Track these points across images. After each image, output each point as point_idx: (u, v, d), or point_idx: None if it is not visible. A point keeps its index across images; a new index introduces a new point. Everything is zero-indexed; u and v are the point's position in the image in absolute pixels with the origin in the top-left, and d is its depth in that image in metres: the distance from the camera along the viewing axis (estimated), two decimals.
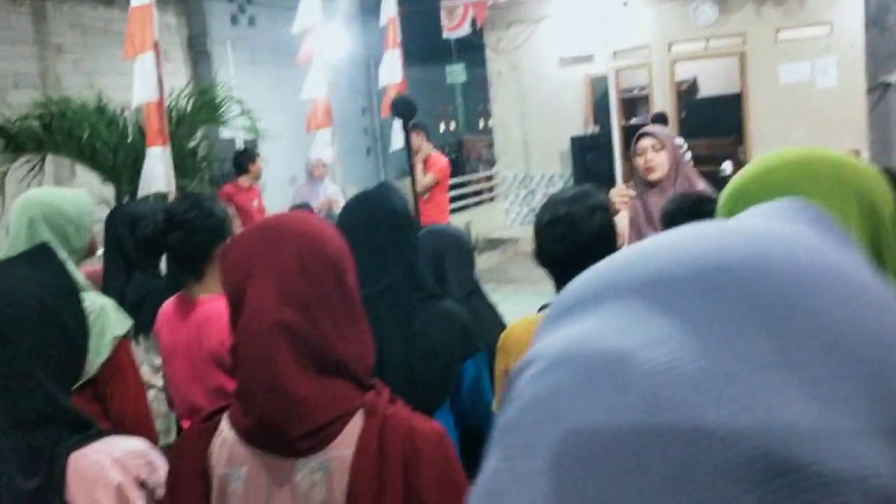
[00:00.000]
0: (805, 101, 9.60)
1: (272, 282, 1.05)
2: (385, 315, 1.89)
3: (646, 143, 3.06)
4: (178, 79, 12.56)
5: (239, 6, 13.74)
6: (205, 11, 12.90)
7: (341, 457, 1.04)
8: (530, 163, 11.33)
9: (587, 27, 10.40)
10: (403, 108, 2.65)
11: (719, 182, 7.09)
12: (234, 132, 8.98)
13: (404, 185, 9.18)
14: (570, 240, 1.77)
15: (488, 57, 11.30)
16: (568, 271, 1.81)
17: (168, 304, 2.24)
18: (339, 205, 7.32)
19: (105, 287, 2.68)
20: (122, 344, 2.05)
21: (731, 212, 1.12)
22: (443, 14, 10.60)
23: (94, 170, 6.40)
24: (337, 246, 1.14)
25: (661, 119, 8.26)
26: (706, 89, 12.23)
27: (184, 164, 6.55)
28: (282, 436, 1.02)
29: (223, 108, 6.95)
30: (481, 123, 14.09)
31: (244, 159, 6.56)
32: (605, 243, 1.80)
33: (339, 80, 13.77)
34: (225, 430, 1.10)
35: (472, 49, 11.82)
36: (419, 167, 7.09)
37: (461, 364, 1.91)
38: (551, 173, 11.27)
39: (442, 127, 13.43)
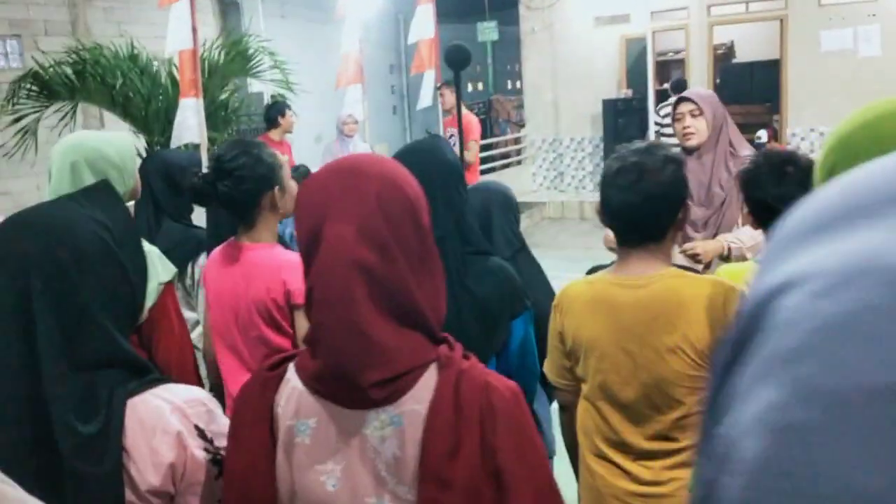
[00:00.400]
0: (846, 70, 9.36)
1: (351, 220, 1.01)
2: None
3: (684, 108, 2.96)
4: (207, 30, 12.47)
5: None
6: None
7: (414, 411, 1.00)
8: (560, 125, 11.18)
9: None
10: (457, 56, 2.56)
11: (756, 149, 6.92)
12: (263, 86, 8.92)
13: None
14: (640, 189, 1.71)
15: (521, 15, 11.10)
16: (635, 224, 1.75)
17: (217, 251, 2.22)
18: None
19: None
20: (167, 290, 2.03)
21: (836, 164, 1.06)
22: None
23: (125, 119, 6.37)
24: (415, 189, 1.10)
25: (680, 86, 8.07)
26: (743, 55, 11.97)
27: (214, 116, 6.51)
28: (355, 383, 0.98)
29: (255, 61, 6.86)
30: (509, 84, 13.90)
31: (275, 112, 6.51)
32: (676, 197, 1.74)
33: (367, 35, 13.63)
34: (293, 380, 1.07)
35: (503, 6, 11.61)
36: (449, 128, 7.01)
37: (510, 322, 1.88)
38: (581, 137, 11.13)
39: (470, 87, 13.26)
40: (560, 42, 10.85)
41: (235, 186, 2.06)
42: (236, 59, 6.72)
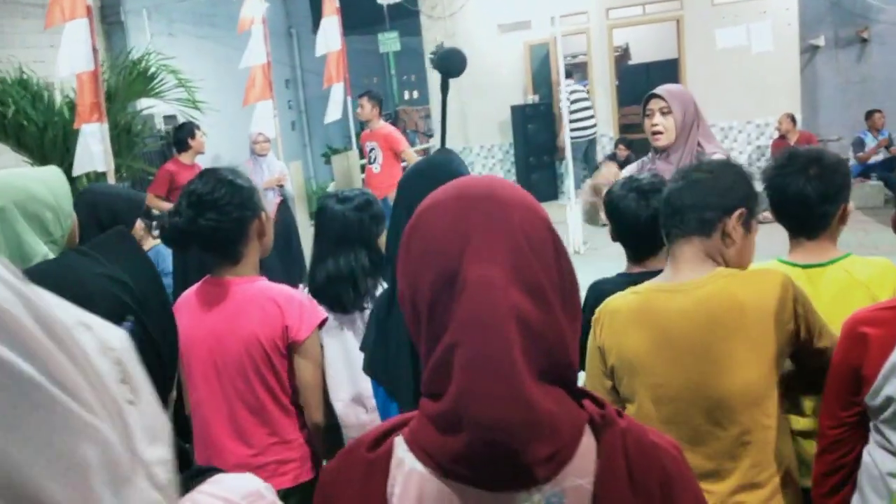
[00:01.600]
0: (741, 66, 9.70)
1: (498, 259, 0.81)
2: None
3: (654, 105, 2.88)
4: None
5: None
6: None
7: (578, 487, 0.82)
8: (469, 134, 11.14)
9: None
10: (450, 61, 2.37)
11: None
12: (155, 106, 8.44)
13: (346, 158, 8.84)
14: (687, 174, 1.66)
15: (423, 25, 10.99)
16: (676, 211, 1.67)
17: (190, 294, 1.96)
18: (287, 181, 6.96)
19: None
20: None
21: None
22: None
23: (19, 150, 5.87)
24: (544, 210, 0.91)
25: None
26: (638, 56, 12.25)
27: (117, 140, 6.07)
28: (516, 461, 0.79)
29: (157, 81, 6.47)
30: (413, 94, 13.77)
31: (184, 134, 6.11)
32: (733, 192, 1.69)
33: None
34: (407, 461, 0.86)
35: (403, 16, 11.47)
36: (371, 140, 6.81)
37: None
38: (490, 144, 11.12)
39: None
40: (464, 51, 10.77)
41: (220, 219, 1.81)
42: (138, 79, 6.31)
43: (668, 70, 11.28)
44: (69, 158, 5.78)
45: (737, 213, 1.64)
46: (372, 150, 6.67)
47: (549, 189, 10.16)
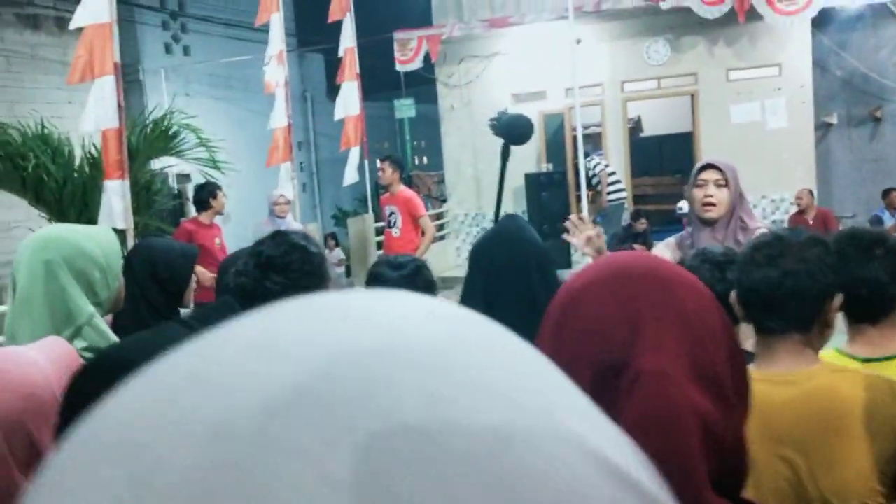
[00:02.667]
0: (756, 141, 9.75)
1: (672, 347, 0.71)
2: None
3: (709, 175, 2.78)
4: None
5: (173, 35, 13.18)
6: (137, 40, 12.29)
7: None
8: (482, 200, 11.12)
9: (540, 64, 10.38)
10: (516, 128, 2.31)
11: (677, 220, 6.90)
12: (173, 166, 8.44)
13: (362, 221, 8.81)
14: (782, 263, 1.50)
15: (440, 92, 11.10)
16: (774, 305, 1.53)
17: None
18: None
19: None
20: None
21: None
22: (396, 46, 10.37)
23: (37, 204, 5.80)
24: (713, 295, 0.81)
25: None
26: (651, 128, 12.36)
27: (137, 198, 6.02)
28: None
29: (178, 139, 6.45)
30: (425, 160, 13.87)
31: (206, 194, 6.07)
32: (823, 281, 1.53)
33: (265, 115, 13.36)
34: None
35: (418, 83, 11.62)
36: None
37: None
38: (503, 211, 11.07)
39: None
40: (479, 118, 10.87)
41: (287, 284, 1.72)
42: (159, 137, 6.30)
43: (682, 143, 11.37)
44: (87, 214, 5.73)
45: (836, 299, 1.54)
46: (392, 213, 6.62)
47: (563, 258, 10.08)
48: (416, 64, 10.44)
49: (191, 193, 9.15)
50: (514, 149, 10.63)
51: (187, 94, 13.08)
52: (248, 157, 10.98)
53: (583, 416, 0.31)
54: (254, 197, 10.14)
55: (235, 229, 8.42)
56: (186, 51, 13.35)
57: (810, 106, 9.69)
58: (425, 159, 13.32)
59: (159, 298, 2.38)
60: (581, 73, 9.90)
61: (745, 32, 9.62)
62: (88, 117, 5.20)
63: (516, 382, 0.30)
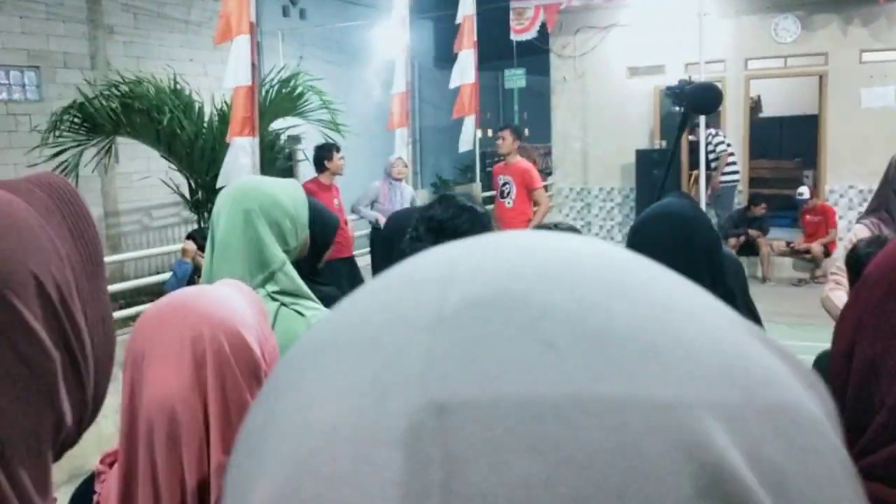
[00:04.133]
0: (887, 127, 9.21)
1: None
2: None
3: None
4: (224, 69, 12.23)
5: None
6: (257, 1, 12.52)
7: None
8: (588, 175, 10.95)
9: (659, 37, 10.07)
10: (705, 96, 2.24)
11: (797, 206, 6.58)
12: (290, 129, 8.61)
13: (470, 190, 8.80)
14: None
15: (552, 63, 10.92)
16: None
17: None
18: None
19: None
20: None
21: None
22: (512, 15, 10.25)
23: (169, 157, 6.02)
24: None
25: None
26: (771, 109, 11.87)
27: (261, 156, 6.19)
28: None
29: (303, 100, 6.57)
30: (527, 132, 13.72)
31: (324, 154, 6.15)
32: None
33: (375, 80, 13.46)
34: None
35: (529, 54, 11.46)
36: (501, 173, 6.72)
37: None
38: (610, 187, 10.90)
39: (490, 133, 13.10)
40: (592, 91, 10.68)
41: None
42: (285, 97, 6.42)
43: (805, 125, 10.87)
44: (214, 170, 5.89)
45: None
46: (505, 184, 6.57)
47: None
48: (532, 33, 10.29)
49: (300, 156, 9.35)
50: (626, 123, 10.42)
51: (301, 57, 13.30)
52: (356, 122, 11.13)
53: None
54: (360, 161, 10.24)
55: (343, 193, 8.56)
56: (303, 14, 13.55)
57: None
58: (527, 131, 13.19)
59: (308, 255, 2.45)
60: (702, 48, 9.58)
61: (883, 12, 9.07)
62: (230, 75, 5.34)
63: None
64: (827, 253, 9.13)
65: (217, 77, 11.37)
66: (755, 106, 11.72)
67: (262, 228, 1.80)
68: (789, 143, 11.57)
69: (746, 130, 10.11)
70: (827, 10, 9.34)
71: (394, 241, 2.25)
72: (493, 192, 9.22)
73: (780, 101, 11.63)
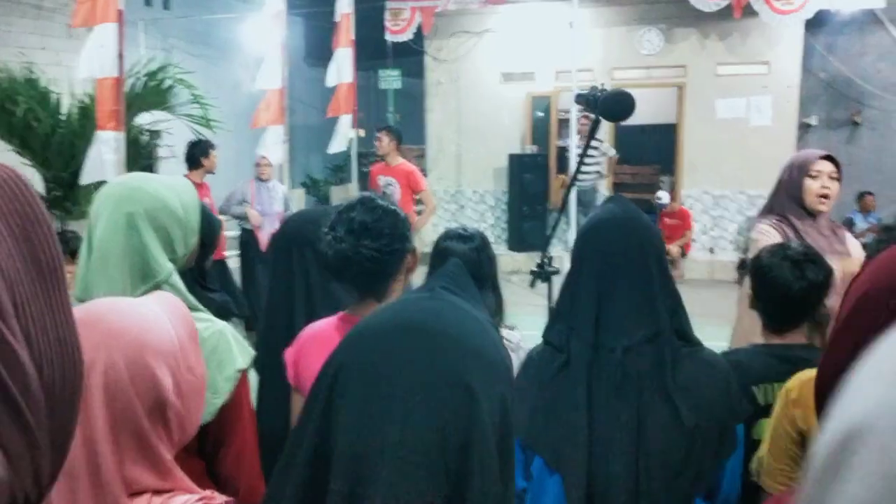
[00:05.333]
0: (739, 137, 9.85)
1: None
2: (647, 371, 1.53)
3: (825, 167, 2.71)
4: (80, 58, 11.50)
5: None
6: None
7: None
8: (462, 178, 11.07)
9: (531, 45, 10.32)
10: (617, 104, 2.26)
11: (656, 210, 6.97)
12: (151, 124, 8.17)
13: (346, 191, 8.67)
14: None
15: (427, 66, 10.96)
16: None
17: (329, 329, 1.77)
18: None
19: (272, 324, 2.13)
20: (242, 380, 1.61)
21: None
22: (387, 15, 10.20)
23: (23, 151, 5.57)
24: None
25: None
26: (633, 118, 12.36)
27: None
28: None
29: (171, 93, 6.25)
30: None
31: (199, 152, 5.89)
32: None
33: (243, 76, 13.06)
34: None
35: (404, 55, 11.45)
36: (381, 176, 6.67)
37: (736, 426, 1.58)
38: (483, 190, 11.06)
39: (363, 133, 12.97)
40: (466, 95, 10.79)
41: (382, 248, 1.66)
42: (153, 90, 6.09)
43: (665, 134, 11.43)
44: (73, 166, 5.54)
45: None
46: (388, 185, 6.52)
47: (541, 238, 10.10)
48: (407, 35, 10.29)
49: (164, 152, 8.91)
50: (499, 128, 10.59)
51: (164, 50, 12.71)
52: (222, 118, 10.74)
53: None
54: (223, 160, 9.85)
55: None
56: (166, 4, 12.95)
57: (795, 106, 9.82)
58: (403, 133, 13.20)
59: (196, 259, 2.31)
60: (571, 57, 9.88)
61: (738, 28, 9.68)
62: (85, 64, 5.00)
63: None
64: (683, 253, 9.65)
65: (71, 66, 10.69)
66: None
67: (146, 235, 1.63)
68: (649, 149, 12.13)
69: (613, 137, 10.52)
70: (687, 24, 9.86)
71: (294, 244, 2.14)
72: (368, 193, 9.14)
73: (641, 109, 12.08)
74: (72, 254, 4.07)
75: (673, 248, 9.47)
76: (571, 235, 8.11)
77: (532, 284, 2.72)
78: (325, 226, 1.73)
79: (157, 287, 1.64)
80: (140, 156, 6.14)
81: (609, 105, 2.25)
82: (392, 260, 1.70)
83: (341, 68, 8.22)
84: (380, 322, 0.96)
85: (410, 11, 10.00)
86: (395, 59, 11.43)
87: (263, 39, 7.46)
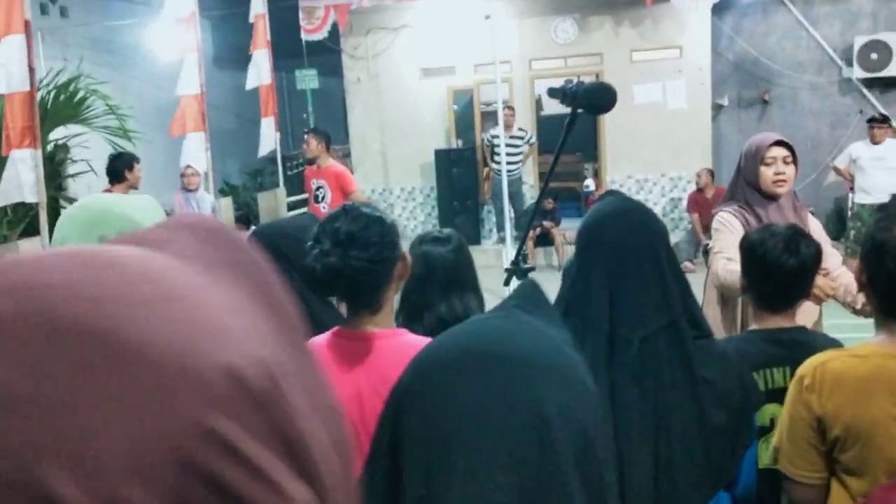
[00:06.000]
0: (657, 121, 10.06)
1: None
2: (665, 361, 1.50)
3: (778, 152, 2.77)
4: None
5: None
6: None
7: None
8: (389, 175, 10.97)
9: (448, 39, 10.28)
10: (598, 96, 2.20)
11: (584, 198, 7.11)
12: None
13: (274, 196, 8.47)
14: None
15: (345, 64, 10.80)
16: None
17: (322, 346, 1.68)
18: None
19: None
20: None
21: None
22: (301, 14, 9.99)
23: None
24: None
25: None
26: (552, 107, 12.50)
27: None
28: None
29: (87, 105, 5.95)
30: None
31: (122, 165, 5.61)
32: None
33: (164, 80, 12.63)
34: None
35: (319, 53, 11.24)
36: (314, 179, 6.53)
37: (752, 416, 1.57)
38: (411, 187, 10.98)
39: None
40: (386, 92, 10.69)
41: (373, 258, 1.59)
42: (66, 103, 5.78)
43: (583, 122, 11.57)
44: None
45: None
46: (319, 188, 6.39)
47: (473, 233, 10.10)
48: (322, 34, 10.10)
49: (75, 168, 8.51)
50: (422, 123, 10.52)
51: (65, 59, 12.13)
52: (134, 128, 10.34)
53: None
54: (148, 169, 9.47)
55: None
56: (63, 12, 12.35)
57: (708, 87, 10.09)
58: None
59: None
60: (489, 49, 9.89)
61: (650, 15, 9.88)
62: None
63: None
64: None
65: None
66: (536, 105, 12.31)
67: None
68: (570, 138, 12.27)
69: (535, 128, 10.60)
70: (601, 12, 10.01)
71: (278, 263, 2.05)
72: (297, 197, 8.96)
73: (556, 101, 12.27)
74: None
75: None
76: (508, 227, 8.14)
77: (507, 283, 2.67)
78: (303, 238, 1.66)
79: None
80: (57, 173, 5.81)
81: (591, 97, 2.22)
82: (383, 269, 1.63)
83: (260, 70, 8.01)
84: (447, 345, 0.88)
85: (325, 10, 9.83)
86: (310, 59, 11.22)
87: (174, 44, 7.20)
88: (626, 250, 1.54)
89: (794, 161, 2.77)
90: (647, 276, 1.52)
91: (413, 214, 10.99)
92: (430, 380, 0.87)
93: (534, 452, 0.81)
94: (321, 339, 1.71)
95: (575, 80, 2.44)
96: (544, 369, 0.85)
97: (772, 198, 2.74)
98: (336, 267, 1.56)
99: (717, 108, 10.95)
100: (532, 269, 2.72)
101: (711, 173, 9.56)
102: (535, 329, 0.88)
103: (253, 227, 8.11)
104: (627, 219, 1.57)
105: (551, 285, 2.55)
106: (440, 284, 2.06)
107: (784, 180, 2.73)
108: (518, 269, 2.63)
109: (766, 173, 2.74)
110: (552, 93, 2.48)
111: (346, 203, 1.72)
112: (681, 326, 1.51)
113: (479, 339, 0.87)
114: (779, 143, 2.78)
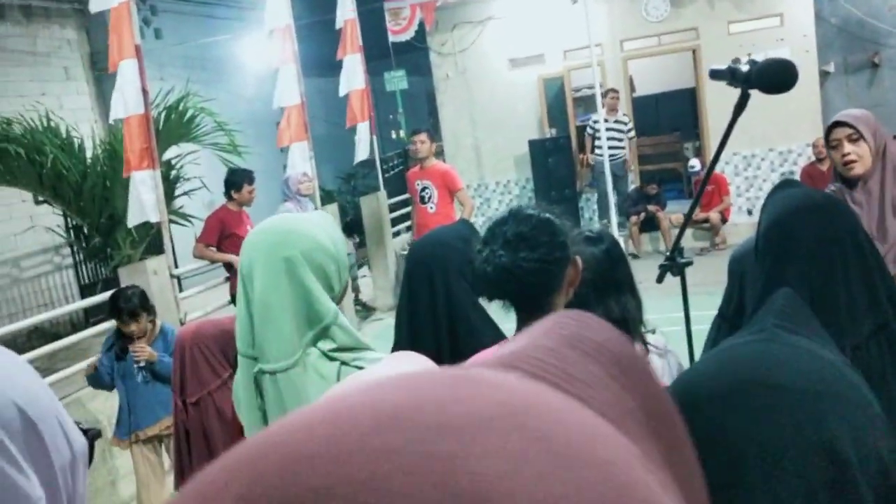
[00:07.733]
0: (761, 94, 9.59)
1: None
2: (877, 373, 1.35)
3: (840, 133, 2.63)
4: (82, 100, 11.33)
5: (143, 18, 12.53)
6: (107, 25, 11.63)
7: None
8: (483, 169, 10.88)
9: (536, 26, 10.11)
10: (776, 74, 2.06)
11: (686, 178, 6.80)
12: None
13: (376, 199, 8.50)
14: None
15: (433, 62, 10.76)
16: None
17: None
18: None
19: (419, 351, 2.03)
20: None
21: None
22: (387, 16, 10.00)
23: (55, 202, 5.40)
24: None
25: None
26: (645, 88, 12.17)
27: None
28: None
29: (196, 123, 6.07)
30: (395, 134, 13.52)
31: (239, 181, 5.67)
32: None
33: (258, 92, 12.88)
34: None
35: (406, 53, 11.26)
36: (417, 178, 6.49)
37: None
38: (506, 179, 10.87)
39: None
40: (476, 86, 10.59)
41: (544, 258, 1.51)
42: (176, 122, 5.92)
43: (682, 100, 11.24)
44: (109, 209, 5.36)
45: None
46: (425, 189, 6.34)
47: (573, 222, 9.89)
48: (409, 34, 10.09)
49: (190, 184, 8.72)
50: (514, 115, 10.38)
51: (161, 79, 12.53)
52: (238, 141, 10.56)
53: None
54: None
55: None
56: (158, 34, 12.75)
57: (814, 55, 9.59)
58: (395, 134, 12.99)
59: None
60: (579, 34, 9.67)
61: None
62: (117, 104, 4.83)
63: None
64: (724, 220, 9.45)
65: (74, 109, 10.50)
66: (630, 86, 11.99)
67: (307, 278, 1.53)
68: (666, 118, 11.93)
69: (630, 110, 10.31)
70: None
71: (436, 269, 2.04)
72: (399, 198, 8.98)
73: (651, 79, 11.95)
74: (148, 310, 3.90)
75: (712, 216, 9.28)
76: (613, 213, 7.93)
77: (659, 280, 2.52)
78: (459, 245, 1.60)
79: (325, 330, 1.54)
80: (172, 191, 5.96)
81: (768, 76, 2.05)
82: (554, 270, 1.54)
83: (351, 76, 8.03)
84: (712, 374, 0.77)
85: (410, 9, 9.80)
86: (396, 59, 11.24)
87: (271, 56, 7.28)
88: (828, 248, 1.39)
89: (862, 136, 2.57)
90: (854, 276, 1.37)
91: (510, 207, 10.87)
92: (700, 415, 0.76)
93: (827, 494, 0.70)
94: (494, 351, 1.63)
95: (744, 59, 2.26)
96: (832, 399, 0.74)
97: (852, 181, 2.57)
98: (506, 267, 1.50)
99: (823, 76, 10.41)
100: (689, 263, 2.55)
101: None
102: (810, 353, 0.76)
103: (355, 237, 8.07)
104: (824, 212, 1.42)
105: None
106: (595, 287, 1.94)
107: (853, 160, 2.54)
108: (673, 263, 2.47)
109: (836, 157, 2.62)
110: (715, 74, 2.32)
111: (514, 206, 1.65)
112: (893, 329, 1.36)
113: (750, 368, 0.76)
114: (838, 123, 2.60)
